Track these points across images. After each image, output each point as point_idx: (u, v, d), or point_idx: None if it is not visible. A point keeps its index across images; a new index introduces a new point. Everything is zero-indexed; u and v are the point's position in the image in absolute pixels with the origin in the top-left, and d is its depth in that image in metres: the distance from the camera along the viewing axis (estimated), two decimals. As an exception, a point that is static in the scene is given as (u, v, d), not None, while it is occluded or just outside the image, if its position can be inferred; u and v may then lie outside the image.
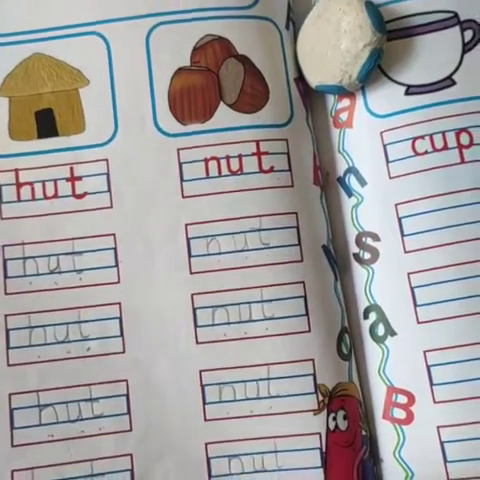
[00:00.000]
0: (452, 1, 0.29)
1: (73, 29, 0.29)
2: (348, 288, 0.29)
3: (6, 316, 0.27)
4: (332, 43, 0.28)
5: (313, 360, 0.27)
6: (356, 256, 0.28)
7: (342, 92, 0.28)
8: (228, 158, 0.28)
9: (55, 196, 0.28)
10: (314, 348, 0.27)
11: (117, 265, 0.27)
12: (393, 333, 0.27)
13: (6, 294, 0.27)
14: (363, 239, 0.28)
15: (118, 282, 0.27)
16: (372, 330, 0.28)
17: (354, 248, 0.29)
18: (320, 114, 0.30)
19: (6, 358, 0.27)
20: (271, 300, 0.27)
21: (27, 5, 0.29)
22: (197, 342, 0.27)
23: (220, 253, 0.27)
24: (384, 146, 0.28)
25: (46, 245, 0.28)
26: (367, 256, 0.28)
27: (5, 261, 0.27)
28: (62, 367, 0.27)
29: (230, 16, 0.29)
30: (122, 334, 0.27)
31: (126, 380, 0.27)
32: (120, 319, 0.27)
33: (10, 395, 0.27)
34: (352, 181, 0.29)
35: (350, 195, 0.29)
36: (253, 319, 0.27)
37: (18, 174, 0.28)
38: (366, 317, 0.28)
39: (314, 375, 0.27)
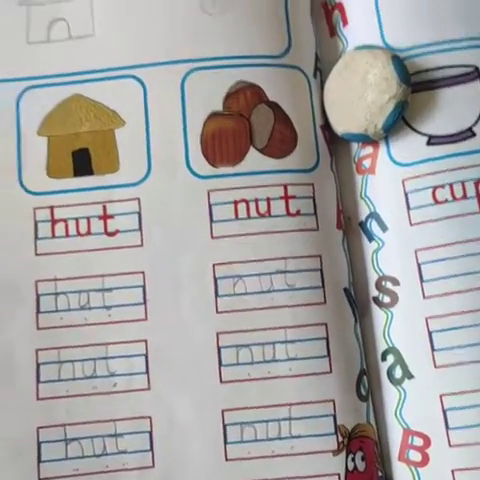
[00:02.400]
0: (473, 56, 0.29)
1: (111, 72, 0.29)
2: (367, 330, 0.28)
3: (37, 350, 0.27)
4: (358, 94, 0.27)
5: (334, 401, 0.26)
6: (376, 299, 0.28)
7: (366, 140, 0.28)
8: (257, 201, 0.27)
9: (88, 233, 0.28)
10: (335, 389, 0.26)
11: (145, 302, 0.27)
12: (410, 376, 0.27)
13: (38, 329, 0.27)
14: (383, 283, 0.28)
15: (145, 319, 0.27)
16: (390, 372, 0.27)
17: (374, 291, 0.28)
18: (344, 160, 0.29)
19: (36, 392, 0.26)
20: (295, 341, 0.26)
21: (68, 48, 0.29)
22: (221, 381, 0.26)
23: (246, 293, 0.27)
24: (405, 194, 0.28)
25: (78, 281, 0.27)
26: (386, 300, 0.28)
27: (38, 296, 0.27)
28: (89, 402, 0.26)
29: (262, 64, 0.28)
30: (148, 371, 0.26)
31: (150, 417, 0.26)
32: (146, 356, 0.27)
33: (38, 428, 0.26)
34: (373, 226, 0.28)
35: (371, 240, 0.28)
36: (277, 359, 0.26)
37: (53, 211, 0.28)
38: (384, 359, 0.27)
39: (334, 416, 0.26)
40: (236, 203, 0.27)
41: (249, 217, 0.27)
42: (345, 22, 0.30)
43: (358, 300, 0.28)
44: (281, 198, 0.27)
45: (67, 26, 0.29)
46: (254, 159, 0.27)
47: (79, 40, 0.29)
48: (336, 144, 0.29)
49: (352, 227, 0.29)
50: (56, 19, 0.29)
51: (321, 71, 0.30)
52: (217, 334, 0.26)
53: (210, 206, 0.27)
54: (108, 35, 0.29)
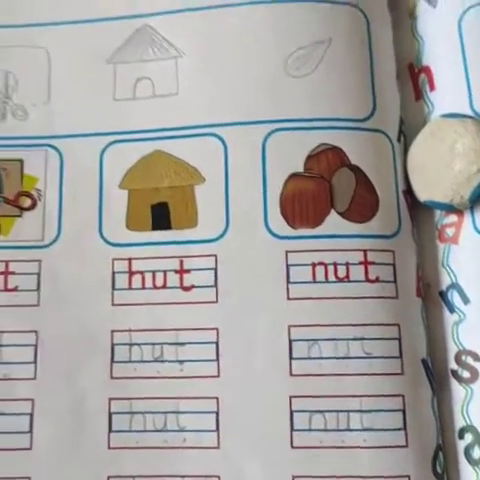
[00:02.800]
0: None
1: (193, 130, 0.29)
2: (444, 405, 0.27)
3: (110, 399, 0.27)
4: (445, 162, 0.27)
5: (409, 477, 0.25)
6: (454, 373, 0.27)
7: (451, 210, 0.27)
8: (335, 265, 0.27)
9: (164, 286, 0.28)
10: (410, 464, 0.25)
11: (218, 359, 0.27)
12: None
13: (112, 378, 0.27)
14: (463, 357, 0.27)
15: (218, 376, 0.27)
16: (467, 451, 0.26)
17: (453, 365, 0.27)
18: (426, 226, 0.29)
19: (107, 441, 0.26)
20: (370, 411, 0.26)
21: (152, 105, 0.30)
22: (292, 446, 0.26)
23: (321, 358, 0.26)
24: None
25: (152, 333, 0.27)
26: (466, 375, 0.27)
27: (113, 346, 0.27)
28: (158, 456, 0.26)
29: (345, 127, 0.28)
30: (218, 429, 0.26)
31: (218, 476, 0.26)
32: (217, 414, 0.26)
33: (109, 478, 0.26)
34: (455, 297, 0.27)
35: (452, 311, 0.28)
36: (351, 428, 0.26)
37: (131, 263, 0.28)
38: (461, 437, 0.26)
39: None
40: (314, 265, 0.27)
41: (327, 281, 0.27)
42: (432, 87, 0.30)
43: (436, 372, 0.27)
44: (360, 263, 0.27)
45: (152, 85, 0.30)
46: (334, 222, 0.27)
47: (163, 98, 0.29)
48: (418, 210, 0.28)
49: (431, 295, 0.28)
50: (141, 78, 0.30)
51: (405, 135, 0.29)
52: (290, 398, 0.26)
53: (288, 267, 0.27)
54: (191, 94, 0.29)
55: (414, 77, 0.31)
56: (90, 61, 0.30)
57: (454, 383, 0.27)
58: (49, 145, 0.29)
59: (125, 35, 0.30)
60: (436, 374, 0.27)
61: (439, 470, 0.26)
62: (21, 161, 0.30)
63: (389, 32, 0.30)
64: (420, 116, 0.30)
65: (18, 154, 0.30)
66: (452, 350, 0.27)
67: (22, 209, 0.29)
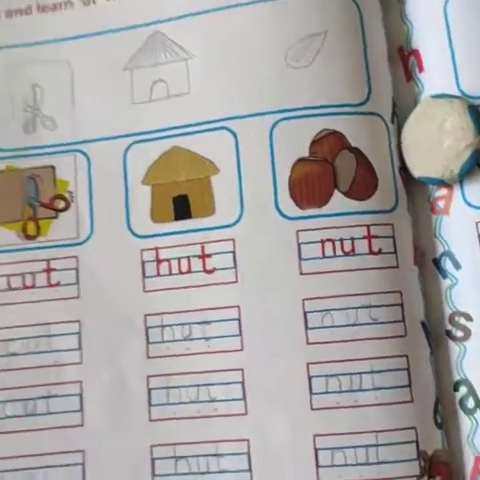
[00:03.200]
0: None
1: (206, 125, 0.31)
2: (440, 362, 0.29)
3: (148, 377, 0.29)
4: (435, 140, 0.29)
5: (415, 428, 0.27)
6: (449, 333, 0.29)
7: (442, 184, 0.29)
8: (342, 240, 0.29)
9: (188, 271, 0.30)
10: (416, 417, 0.28)
11: (241, 334, 0.29)
12: None
13: (148, 358, 0.30)
14: (456, 318, 0.29)
15: (241, 350, 0.29)
16: (462, 402, 0.28)
17: (447, 325, 0.29)
18: (419, 200, 0.31)
19: (148, 414, 0.29)
20: (379, 371, 0.28)
21: (167, 106, 0.32)
22: (312, 408, 0.28)
23: (334, 326, 0.28)
24: (479, 235, 0.29)
25: (180, 315, 0.30)
26: (460, 334, 0.29)
27: (147, 328, 0.30)
28: (193, 424, 0.29)
29: (344, 112, 0.30)
30: (244, 397, 0.29)
31: (248, 439, 0.28)
32: (243, 384, 0.29)
33: (151, 447, 0.29)
34: (447, 264, 0.29)
35: (445, 277, 0.30)
36: (363, 389, 0.28)
37: (158, 252, 0.30)
38: (456, 390, 0.29)
39: (417, 442, 0.27)
40: (323, 242, 0.29)
41: (335, 255, 0.29)
42: (421, 69, 0.31)
43: (432, 333, 0.29)
44: (364, 237, 0.29)
45: (166, 86, 0.31)
46: (338, 201, 0.29)
47: (177, 98, 0.31)
48: (412, 185, 0.30)
49: (426, 263, 0.30)
50: (156, 80, 0.31)
51: (397, 115, 0.31)
52: (307, 364, 0.28)
53: (299, 245, 0.29)
54: (202, 92, 0.31)
55: (404, 59, 0.32)
56: (108, 69, 0.32)
57: (449, 342, 0.29)
58: (77, 150, 0.32)
59: (139, 42, 0.32)
60: (433, 334, 0.29)
61: (439, 420, 0.28)
62: (53, 167, 0.32)
63: (380, 18, 0.32)
64: (411, 96, 0.31)
65: (50, 161, 0.32)
66: (446, 312, 0.29)
67: (57, 211, 0.31)
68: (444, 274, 0.30)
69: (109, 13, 0.33)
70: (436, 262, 0.30)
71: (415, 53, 0.32)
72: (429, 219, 0.30)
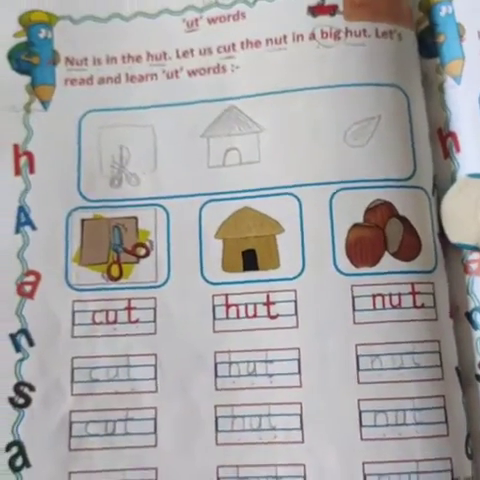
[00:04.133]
0: None
1: (273, 190, 0.35)
2: (471, 402, 0.34)
3: (216, 406, 0.34)
4: (470, 213, 0.34)
5: (451, 458, 0.32)
6: (478, 377, 0.34)
7: (475, 249, 0.34)
8: (390, 295, 0.33)
9: (254, 316, 0.34)
10: (451, 449, 0.32)
11: (300, 373, 0.33)
12: None
13: (216, 389, 0.33)
14: None
15: (300, 386, 0.33)
16: None
17: (478, 371, 0.34)
18: (455, 262, 0.35)
19: (215, 439, 0.33)
20: (420, 409, 0.32)
21: (239, 171, 0.36)
22: (361, 439, 0.32)
23: (382, 369, 0.33)
24: None
25: (246, 353, 0.33)
26: None
27: (216, 364, 0.33)
28: (255, 449, 0.33)
29: (394, 186, 0.35)
30: (302, 428, 0.33)
31: (304, 464, 0.33)
32: (301, 416, 0.33)
33: (218, 467, 0.33)
34: (478, 317, 0.34)
35: (476, 328, 0.34)
36: (406, 423, 0.32)
37: (227, 298, 0.34)
38: None
39: (451, 471, 0.32)
40: (374, 296, 0.34)
41: (384, 308, 0.34)
42: (458, 149, 0.36)
43: (464, 377, 0.34)
44: (409, 293, 0.34)
45: (239, 154, 0.35)
46: (388, 262, 0.34)
47: (248, 165, 0.35)
48: (449, 249, 0.35)
49: (460, 316, 0.35)
50: (230, 148, 0.36)
51: (438, 188, 0.36)
52: (358, 401, 0.33)
53: (353, 298, 0.34)
54: (270, 162, 0.35)
55: (443, 140, 0.36)
56: (187, 135, 0.36)
57: (479, 385, 0.34)
58: (158, 204, 0.36)
59: (215, 114, 0.36)
60: (464, 378, 0.34)
61: (469, 452, 0.33)
62: (136, 218, 0.36)
63: (423, 105, 0.36)
64: (448, 172, 0.36)
65: (133, 212, 0.36)
66: (477, 359, 0.34)
67: (139, 257, 0.35)
68: (475, 326, 0.35)
69: (190, 86, 0.37)
70: (468, 315, 0.35)
71: (452, 135, 0.36)
72: (463, 278, 0.35)
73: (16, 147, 0.37)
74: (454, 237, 0.35)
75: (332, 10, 0.37)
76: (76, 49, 0.38)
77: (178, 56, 0.37)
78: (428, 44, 0.38)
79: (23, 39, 0.38)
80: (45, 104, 0.38)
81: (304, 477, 0.33)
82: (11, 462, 0.34)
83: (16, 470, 0.33)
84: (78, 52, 0.38)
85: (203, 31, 0.37)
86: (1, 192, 0.37)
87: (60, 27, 0.38)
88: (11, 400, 0.34)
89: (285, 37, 0.37)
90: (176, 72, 0.37)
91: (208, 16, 0.38)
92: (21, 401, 0.34)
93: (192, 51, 0.37)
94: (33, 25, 0.38)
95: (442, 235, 0.36)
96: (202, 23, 0.38)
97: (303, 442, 0.32)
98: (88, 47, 0.38)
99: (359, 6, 0.37)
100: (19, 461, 0.33)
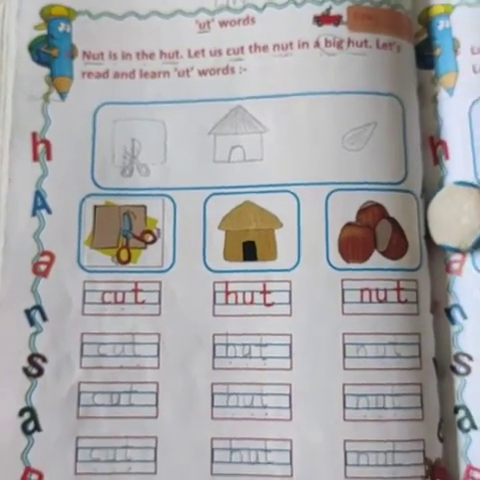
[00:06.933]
0: None
1: (273, 187, 0.37)
2: (445, 391, 0.37)
3: (212, 384, 0.37)
4: (455, 217, 0.37)
5: (424, 440, 0.35)
6: (453, 368, 0.37)
7: (457, 251, 0.37)
8: (377, 290, 0.36)
9: (251, 303, 0.36)
10: (425, 432, 0.36)
11: (291, 357, 0.36)
12: (475, 427, 0.36)
13: (213, 369, 0.36)
14: (460, 357, 0.37)
15: (290, 369, 0.37)
16: (460, 423, 0.36)
17: (452, 362, 0.37)
18: (438, 261, 0.38)
19: (211, 413, 0.36)
20: (399, 394, 0.36)
21: (243, 167, 0.38)
22: (344, 419, 0.36)
23: (366, 357, 0.36)
24: None
25: (242, 337, 0.36)
26: (462, 370, 0.37)
27: (214, 345, 0.36)
28: (247, 425, 0.36)
29: (386, 189, 0.37)
30: (291, 406, 0.36)
31: (291, 439, 0.36)
32: (290, 396, 0.36)
33: (212, 439, 0.36)
34: (456, 313, 0.38)
35: (453, 323, 0.38)
36: (385, 407, 0.36)
37: (227, 285, 0.37)
38: (456, 413, 0.37)
39: (424, 451, 0.35)
40: (362, 291, 0.37)
41: (371, 301, 0.37)
42: (447, 156, 0.38)
43: (440, 367, 0.37)
44: (394, 289, 0.36)
45: (243, 151, 0.38)
46: (376, 259, 0.36)
47: (251, 162, 0.37)
48: (433, 249, 0.38)
49: (439, 311, 0.38)
50: (235, 146, 0.38)
51: (425, 191, 0.39)
52: (343, 385, 0.36)
53: (343, 291, 0.36)
54: (273, 160, 0.37)
55: (433, 147, 0.38)
56: (196, 131, 0.38)
57: (453, 375, 0.37)
58: (165, 195, 0.38)
59: (223, 113, 0.38)
60: (440, 368, 0.37)
61: (441, 435, 0.37)
62: (145, 206, 0.38)
63: (417, 113, 0.38)
64: (437, 178, 0.38)
65: (142, 201, 0.38)
66: (452, 351, 0.38)
67: (146, 243, 0.38)
68: (453, 321, 0.38)
69: (200, 85, 0.39)
70: (447, 311, 0.39)
71: (442, 143, 0.38)
72: (444, 277, 0.39)
73: (34, 135, 0.39)
74: (438, 239, 0.38)
75: (336, 20, 0.40)
76: (93, 44, 0.40)
77: (190, 56, 0.39)
78: (425, 56, 0.40)
79: (43, 32, 0.40)
80: (63, 95, 0.40)
81: (290, 451, 0.36)
82: (24, 426, 0.37)
83: (28, 433, 0.37)
84: (95, 47, 0.40)
85: (214, 33, 0.40)
86: (20, 177, 0.40)
87: (79, 22, 0.40)
88: (25, 370, 0.38)
89: (291, 43, 0.39)
90: (187, 71, 0.39)
91: (219, 19, 0.40)
92: (34, 371, 0.38)
93: (203, 51, 0.39)
94: (53, 19, 0.40)
95: (427, 236, 0.39)
96: (213, 25, 0.40)
97: (291, 420, 0.35)
98: (105, 42, 0.40)
99: (362, 18, 0.40)
100: (31, 425, 0.37)
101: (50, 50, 0.40)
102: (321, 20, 0.39)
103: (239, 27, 0.39)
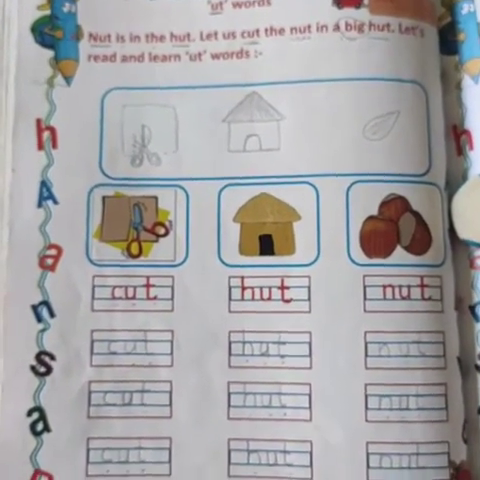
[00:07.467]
0: None
1: (291, 178, 0.37)
2: (469, 390, 0.37)
3: (229, 383, 0.36)
4: None
5: (448, 442, 0.35)
6: (477, 367, 0.37)
7: (481, 246, 0.37)
8: (400, 287, 0.35)
9: (269, 299, 0.36)
10: (449, 434, 0.35)
11: (310, 355, 0.35)
12: None
13: (230, 367, 0.36)
14: None
15: (310, 368, 0.36)
16: None
17: (477, 361, 0.37)
18: (461, 257, 0.38)
19: (227, 413, 0.35)
20: (423, 395, 0.35)
21: (259, 157, 0.37)
22: (366, 420, 0.35)
23: (389, 356, 0.35)
24: None
25: (260, 334, 0.36)
26: None
27: (230, 343, 0.36)
28: (265, 425, 0.36)
29: (409, 181, 0.37)
30: (310, 407, 0.36)
31: (311, 441, 0.36)
32: (310, 396, 0.36)
33: (229, 440, 0.36)
34: (480, 311, 0.37)
35: (478, 321, 0.37)
36: (409, 408, 0.35)
37: (243, 280, 0.36)
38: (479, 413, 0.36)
39: (448, 454, 0.35)
40: (385, 287, 0.36)
41: (394, 298, 0.36)
42: (471, 147, 0.38)
43: (464, 366, 0.37)
44: (418, 286, 0.36)
45: (259, 141, 0.37)
46: (399, 254, 0.36)
47: (267, 152, 0.37)
48: (457, 244, 0.38)
49: (463, 309, 0.38)
50: (250, 134, 0.37)
51: (448, 183, 0.38)
52: (365, 385, 0.36)
53: (364, 287, 0.36)
54: (290, 150, 0.36)
55: (457, 137, 0.38)
56: (209, 118, 0.37)
57: (477, 374, 0.37)
58: (178, 186, 0.37)
59: (237, 99, 0.37)
60: (464, 368, 0.37)
61: (465, 437, 0.36)
62: (156, 198, 0.37)
63: (440, 101, 0.37)
64: (461, 169, 0.39)
65: (154, 192, 0.37)
66: (477, 350, 0.37)
67: (158, 236, 0.37)
68: (477, 319, 0.38)
69: (213, 70, 0.38)
70: (471, 309, 0.38)
71: (467, 133, 0.38)
72: (468, 273, 0.38)
73: (39, 121, 0.38)
74: (463, 233, 0.38)
75: (357, 3, 0.39)
76: (100, 25, 0.39)
77: (202, 38, 0.38)
78: (448, 41, 0.40)
79: (47, 12, 0.39)
80: (68, 79, 0.39)
81: (311, 453, 0.36)
82: (32, 427, 0.36)
83: (37, 434, 0.36)
84: (102, 28, 0.39)
85: (227, 15, 0.38)
86: (24, 165, 0.38)
87: (84, 2, 0.39)
88: (33, 368, 0.37)
89: (309, 26, 0.38)
90: (199, 55, 0.38)
91: (233, 0, 0.38)
92: (42, 369, 0.37)
93: (216, 34, 0.38)
94: (57, -2, 0.39)
95: (451, 231, 0.38)
96: (226, 6, 0.39)
97: (311, 420, 0.35)
98: (112, 24, 0.39)
99: (384, 0, 0.39)
100: (40, 426, 0.36)
101: (54, 31, 0.39)
102: (341, 2, 0.38)
103: (254, 8, 0.39)
